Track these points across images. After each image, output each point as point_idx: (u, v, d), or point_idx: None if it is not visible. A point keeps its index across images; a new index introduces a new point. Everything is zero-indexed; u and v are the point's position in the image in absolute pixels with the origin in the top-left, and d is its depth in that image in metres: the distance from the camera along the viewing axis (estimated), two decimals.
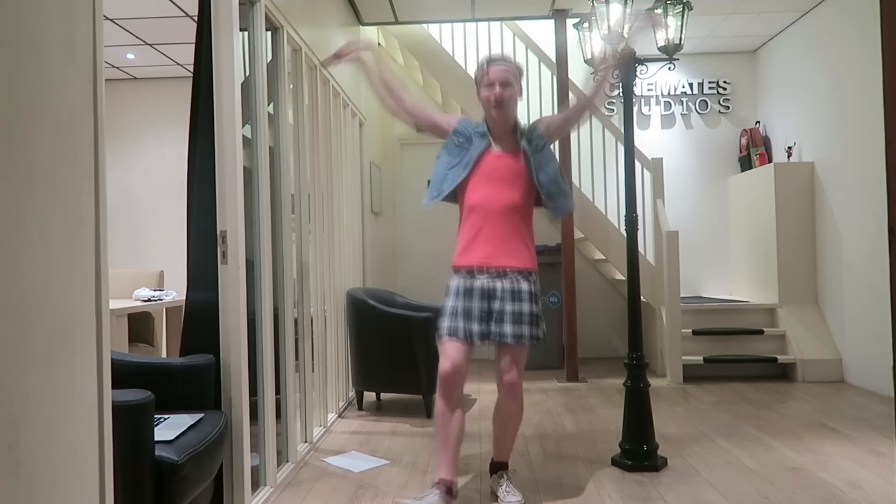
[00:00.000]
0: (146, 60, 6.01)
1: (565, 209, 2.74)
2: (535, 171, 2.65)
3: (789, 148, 5.66)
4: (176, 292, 4.52)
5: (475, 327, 2.57)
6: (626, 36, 3.00)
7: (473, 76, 2.78)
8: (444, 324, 2.61)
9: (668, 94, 6.45)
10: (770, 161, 5.99)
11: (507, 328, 2.56)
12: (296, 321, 3.36)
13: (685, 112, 6.46)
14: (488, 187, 2.63)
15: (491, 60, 2.69)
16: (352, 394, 4.54)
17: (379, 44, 6.32)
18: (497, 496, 2.68)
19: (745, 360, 5.25)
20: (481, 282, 2.59)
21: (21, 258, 1.17)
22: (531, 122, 2.83)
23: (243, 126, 2.66)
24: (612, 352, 6.33)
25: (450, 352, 2.57)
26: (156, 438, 1.86)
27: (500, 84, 2.64)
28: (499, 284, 2.59)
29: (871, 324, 4.65)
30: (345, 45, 2.79)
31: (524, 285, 2.60)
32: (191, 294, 2.53)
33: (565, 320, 5.33)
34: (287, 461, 3.14)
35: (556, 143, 5.49)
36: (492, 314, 2.58)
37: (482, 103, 2.72)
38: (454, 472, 2.57)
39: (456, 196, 2.73)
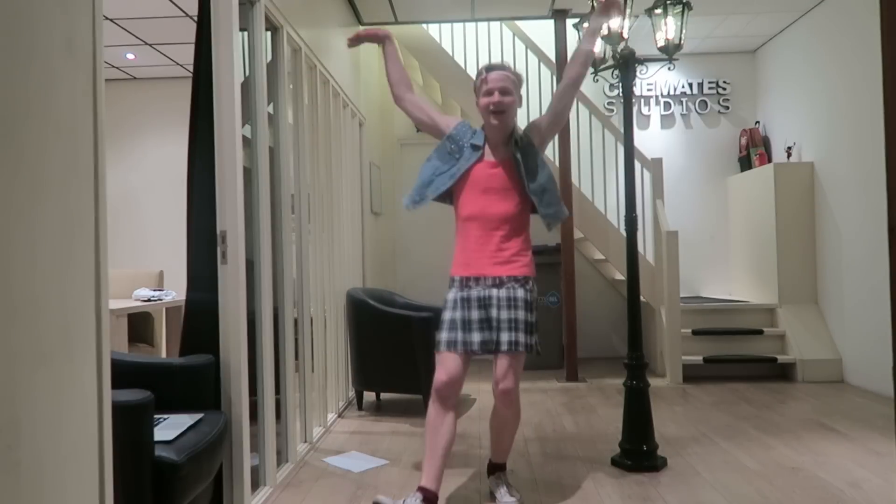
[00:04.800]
0: (146, 60, 6.02)
1: (558, 217, 2.67)
2: (527, 179, 2.60)
3: (789, 148, 5.67)
4: (176, 292, 4.52)
5: (476, 338, 2.54)
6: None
7: (473, 84, 2.71)
8: (443, 336, 2.58)
9: (668, 94, 6.45)
10: (770, 161, 5.99)
11: (503, 336, 2.53)
12: (296, 321, 3.36)
13: (685, 112, 6.47)
14: (483, 198, 2.59)
15: (490, 67, 2.65)
16: (351, 394, 4.54)
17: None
18: (495, 497, 2.68)
19: (744, 360, 5.25)
20: (478, 291, 2.58)
21: (21, 258, 1.17)
22: (525, 128, 2.77)
23: (243, 126, 2.66)
24: (611, 352, 6.33)
25: (447, 363, 2.55)
26: (156, 438, 1.86)
27: (499, 91, 2.59)
28: (495, 292, 2.56)
29: (871, 324, 4.65)
30: (365, 31, 2.83)
31: (520, 293, 2.57)
32: (191, 294, 2.53)
33: (565, 320, 5.33)
34: (287, 461, 3.14)
35: (556, 142, 5.50)
36: (490, 322, 2.55)
37: (481, 111, 2.66)
38: (438, 482, 2.51)
39: (446, 197, 2.70)
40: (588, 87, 5.92)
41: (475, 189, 2.61)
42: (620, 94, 3.21)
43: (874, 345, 4.62)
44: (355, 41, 2.84)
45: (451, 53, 5.84)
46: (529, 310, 2.58)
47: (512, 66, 2.71)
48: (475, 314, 2.56)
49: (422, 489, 2.47)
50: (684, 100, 6.46)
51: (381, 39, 2.81)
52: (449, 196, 2.69)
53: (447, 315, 2.60)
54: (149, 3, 4.77)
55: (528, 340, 2.55)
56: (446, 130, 2.72)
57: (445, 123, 2.74)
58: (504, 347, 2.52)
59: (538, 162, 2.67)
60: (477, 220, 2.60)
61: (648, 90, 6.44)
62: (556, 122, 2.74)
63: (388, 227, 6.31)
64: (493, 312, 2.55)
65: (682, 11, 3.27)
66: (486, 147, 2.67)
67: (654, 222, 5.47)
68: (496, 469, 2.77)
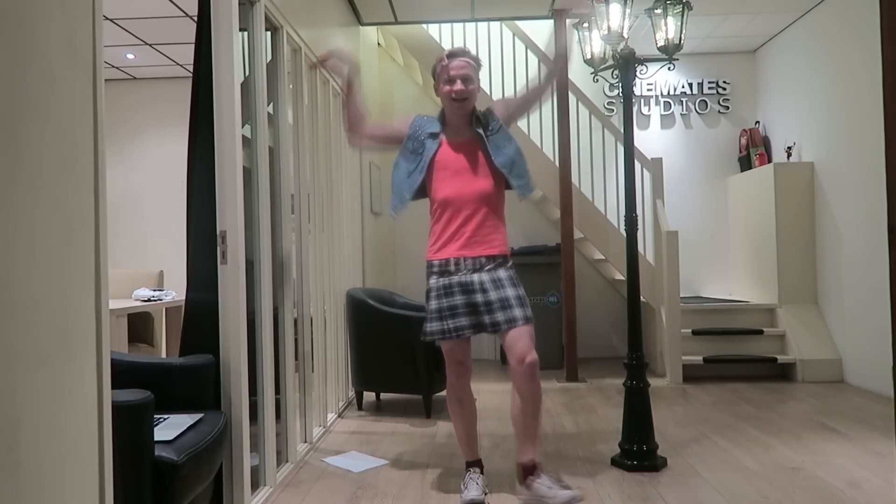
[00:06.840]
0: (146, 60, 6.01)
1: (528, 189, 2.72)
2: (493, 153, 2.66)
3: (789, 148, 5.67)
4: (176, 292, 4.52)
5: (464, 321, 2.61)
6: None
7: (433, 69, 2.75)
8: (433, 327, 2.66)
9: (668, 94, 6.45)
10: (770, 161, 5.99)
11: (498, 315, 2.58)
12: (296, 321, 3.36)
13: (685, 112, 6.46)
14: (456, 179, 2.65)
15: (452, 54, 2.70)
16: (351, 394, 4.54)
17: (379, 44, 6.32)
18: (542, 496, 2.54)
19: (744, 360, 5.25)
20: (459, 277, 2.63)
21: (21, 258, 1.17)
22: (487, 107, 2.81)
23: (243, 126, 2.66)
24: (611, 352, 6.33)
25: (452, 350, 2.67)
26: (156, 438, 1.86)
27: (461, 80, 2.65)
28: (476, 277, 2.62)
29: (871, 324, 4.65)
30: (335, 51, 2.90)
31: (501, 273, 2.63)
32: (190, 294, 2.53)
33: (565, 320, 5.33)
34: (287, 461, 3.14)
35: (556, 142, 5.50)
36: (477, 306, 2.60)
37: (442, 97, 2.72)
38: (477, 451, 2.79)
39: (424, 193, 2.76)
40: (588, 86, 5.92)
41: (446, 172, 2.66)
42: (620, 94, 3.21)
43: (874, 345, 4.62)
44: (321, 62, 2.93)
45: None
46: (515, 285, 2.63)
47: (471, 51, 2.78)
48: (458, 299, 2.62)
49: (471, 464, 2.75)
50: (684, 100, 6.45)
51: (347, 72, 2.80)
52: (424, 191, 2.75)
53: (433, 304, 2.67)
54: (149, 3, 4.77)
55: (525, 313, 2.59)
56: (405, 131, 2.76)
57: (402, 126, 2.79)
58: (504, 326, 2.57)
59: (505, 135, 2.72)
60: (453, 203, 2.65)
61: (648, 90, 6.44)
62: (520, 110, 2.85)
63: (388, 227, 6.30)
64: (479, 297, 2.60)
65: (682, 11, 3.27)
66: (447, 131, 2.73)
67: (654, 222, 5.47)
68: (531, 471, 2.60)
